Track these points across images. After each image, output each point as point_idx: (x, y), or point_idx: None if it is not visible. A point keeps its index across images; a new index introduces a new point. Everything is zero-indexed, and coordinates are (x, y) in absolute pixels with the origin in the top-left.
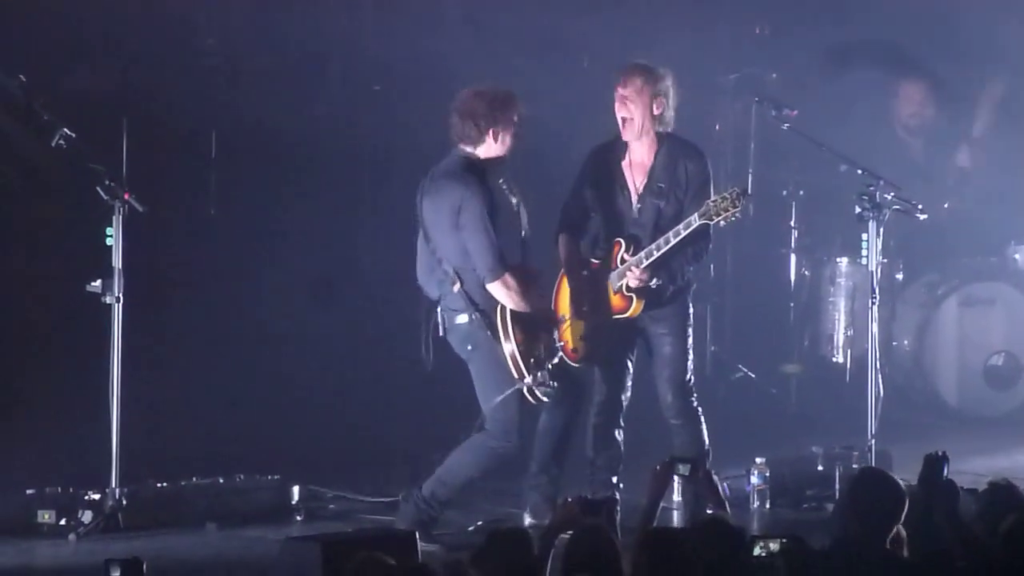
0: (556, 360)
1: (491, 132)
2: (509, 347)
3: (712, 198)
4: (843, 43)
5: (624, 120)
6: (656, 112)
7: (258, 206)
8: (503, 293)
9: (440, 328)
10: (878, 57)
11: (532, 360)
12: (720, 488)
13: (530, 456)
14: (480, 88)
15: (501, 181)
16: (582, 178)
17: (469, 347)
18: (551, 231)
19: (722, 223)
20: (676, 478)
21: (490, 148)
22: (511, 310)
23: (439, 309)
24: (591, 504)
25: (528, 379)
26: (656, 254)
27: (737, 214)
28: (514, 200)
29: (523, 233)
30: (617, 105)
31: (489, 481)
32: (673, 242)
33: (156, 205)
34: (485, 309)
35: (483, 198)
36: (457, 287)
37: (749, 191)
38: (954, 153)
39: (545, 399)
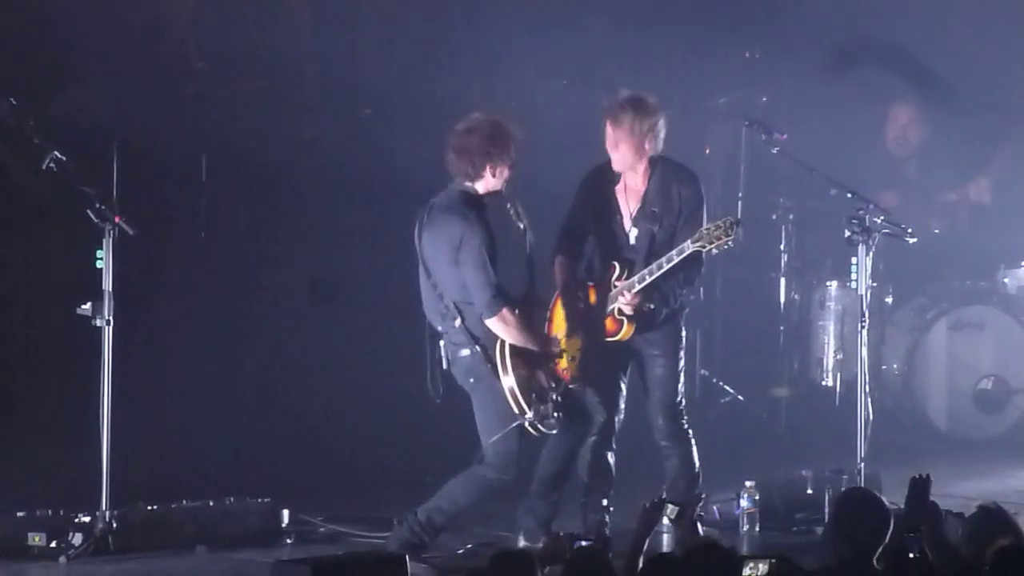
0: (560, 391)
1: (488, 168)
2: (508, 382)
3: (706, 226)
4: (845, 43)
5: (615, 159)
6: (647, 148)
7: (248, 229)
8: (501, 329)
9: (444, 361)
10: (880, 58)
11: (533, 394)
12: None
13: (528, 480)
14: (473, 123)
15: (509, 205)
16: (577, 202)
17: (472, 380)
18: (548, 254)
19: (714, 251)
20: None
21: (488, 183)
22: (511, 345)
23: (442, 343)
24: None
25: (529, 414)
26: (648, 279)
27: (730, 243)
28: (521, 225)
29: (529, 255)
30: (608, 142)
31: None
32: (665, 268)
33: (146, 228)
34: (485, 343)
35: (482, 234)
36: (458, 322)
37: (741, 220)
38: (968, 183)
39: (548, 431)
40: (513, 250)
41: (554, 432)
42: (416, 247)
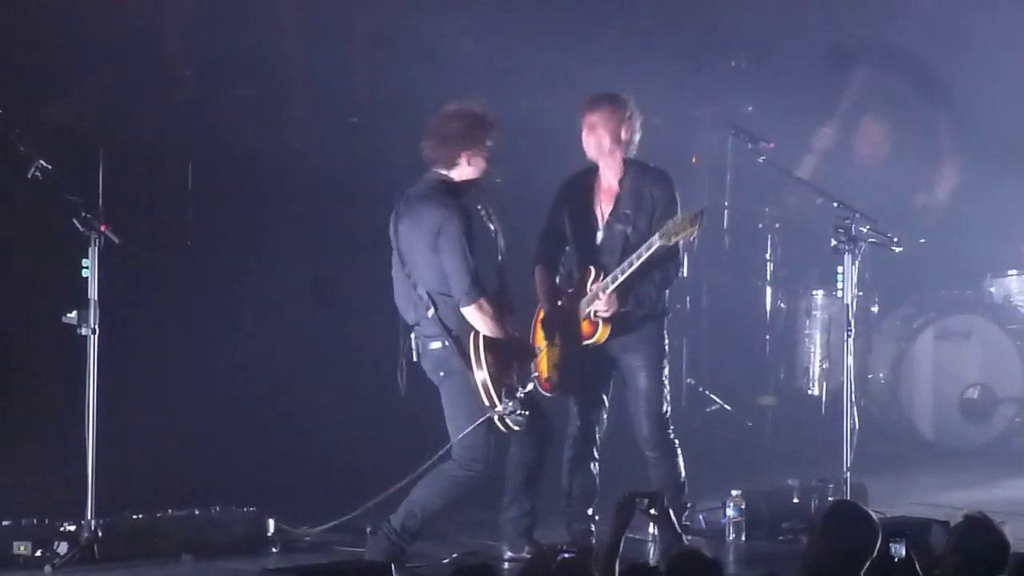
0: (529, 388)
1: (465, 155)
2: (481, 374)
3: (671, 219)
4: (841, 44)
5: (591, 144)
6: (624, 137)
7: (235, 237)
8: (478, 318)
9: (414, 353)
10: (877, 60)
11: (504, 388)
12: (676, 523)
13: (501, 487)
14: (455, 109)
15: (480, 207)
16: (555, 209)
17: (441, 373)
18: (526, 260)
19: (681, 243)
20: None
21: (464, 171)
22: (484, 337)
23: (413, 335)
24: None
25: (500, 408)
26: (621, 278)
27: (695, 233)
28: (492, 227)
29: (500, 258)
30: (584, 131)
31: (465, 512)
32: (636, 265)
33: (132, 236)
34: (459, 335)
35: (462, 221)
36: (431, 312)
37: (705, 210)
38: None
39: (516, 428)
40: (484, 253)
41: (518, 430)
42: (391, 237)
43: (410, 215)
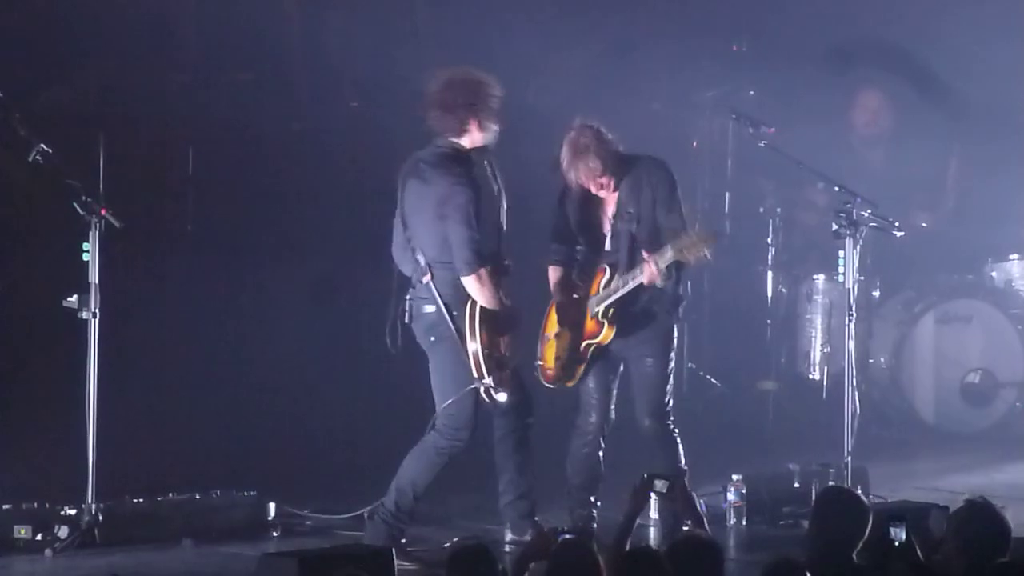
0: (515, 363)
1: (472, 122)
2: (474, 345)
3: (688, 235)
4: (844, 43)
5: (602, 192)
6: (611, 158)
7: (236, 222)
8: (476, 288)
9: (407, 315)
10: (879, 57)
11: (494, 361)
12: (698, 505)
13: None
14: (454, 76)
15: (486, 163)
16: (560, 211)
17: (432, 338)
18: (528, 253)
19: (692, 260)
20: (653, 495)
21: (474, 138)
22: (480, 307)
23: (408, 296)
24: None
25: (488, 379)
26: (624, 288)
27: (707, 253)
28: (496, 185)
29: (501, 219)
30: (586, 187)
31: (466, 496)
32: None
33: (133, 221)
34: (452, 305)
35: (470, 191)
36: (427, 278)
37: (722, 232)
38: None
39: (500, 401)
40: (486, 212)
41: (503, 402)
42: (398, 195)
43: (418, 180)
